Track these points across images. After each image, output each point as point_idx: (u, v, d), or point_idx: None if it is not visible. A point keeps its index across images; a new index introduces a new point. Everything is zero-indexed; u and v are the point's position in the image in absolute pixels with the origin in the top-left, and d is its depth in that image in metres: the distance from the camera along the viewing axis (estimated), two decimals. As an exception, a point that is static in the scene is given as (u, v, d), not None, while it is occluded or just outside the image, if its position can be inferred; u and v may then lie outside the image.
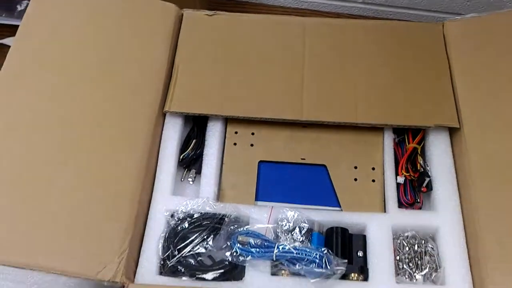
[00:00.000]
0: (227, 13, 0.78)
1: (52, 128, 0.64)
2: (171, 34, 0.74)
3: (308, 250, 0.57)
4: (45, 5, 0.74)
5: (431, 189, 0.64)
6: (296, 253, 0.57)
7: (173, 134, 0.69)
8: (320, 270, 0.56)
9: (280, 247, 0.57)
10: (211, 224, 0.61)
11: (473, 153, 0.62)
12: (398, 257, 0.60)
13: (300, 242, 0.60)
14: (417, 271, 0.59)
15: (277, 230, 0.61)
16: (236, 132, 0.70)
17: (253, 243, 0.58)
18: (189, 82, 0.70)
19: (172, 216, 0.62)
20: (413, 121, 0.66)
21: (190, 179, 0.68)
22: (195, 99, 0.69)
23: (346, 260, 0.57)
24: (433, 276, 0.59)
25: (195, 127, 0.70)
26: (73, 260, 0.56)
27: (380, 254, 0.59)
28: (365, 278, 0.58)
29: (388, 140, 0.68)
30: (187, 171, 0.69)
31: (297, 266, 0.57)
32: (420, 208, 0.65)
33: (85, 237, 0.57)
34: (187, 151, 0.68)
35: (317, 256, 0.56)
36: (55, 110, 0.65)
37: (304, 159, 0.68)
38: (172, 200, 0.64)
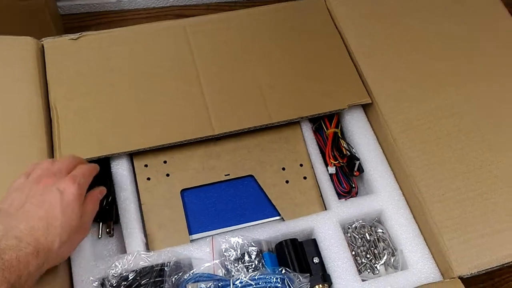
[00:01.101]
0: (94, 32, 0.68)
1: None
2: (37, 72, 0.62)
3: (266, 277, 0.52)
4: None
5: (363, 171, 0.63)
6: (255, 284, 0.52)
7: (72, 187, 0.58)
8: (285, 294, 0.51)
9: (236, 283, 0.51)
10: (150, 280, 0.53)
11: (392, 123, 0.61)
12: (353, 252, 0.58)
13: (253, 268, 0.55)
14: (376, 261, 0.57)
15: (225, 263, 0.55)
16: (146, 165, 0.61)
17: (205, 287, 0.52)
18: (74, 123, 0.60)
19: (102, 285, 0.53)
20: (327, 107, 0.64)
21: (109, 235, 0.58)
22: (87, 141, 0.59)
23: (308, 274, 0.53)
24: (392, 260, 0.57)
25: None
26: None
27: (336, 255, 0.56)
28: (329, 286, 0.55)
29: (308, 131, 0.65)
30: (102, 224, 0.59)
31: (260, 298, 0.51)
32: (356, 193, 0.63)
33: None
34: (96, 202, 0.58)
35: (278, 280, 0.52)
36: None
37: (228, 174, 0.62)
38: (96, 266, 0.54)
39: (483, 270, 0.52)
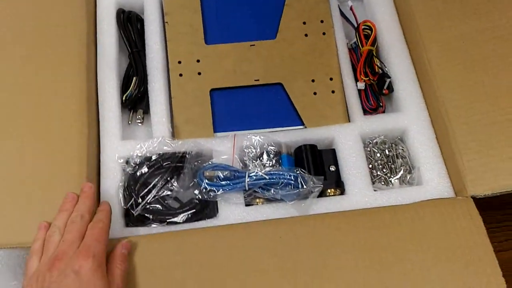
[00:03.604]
0: None
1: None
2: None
3: (281, 173, 0.54)
4: None
5: (393, 90, 0.62)
6: (269, 178, 0.53)
7: (109, 74, 0.61)
8: (297, 191, 0.53)
9: (252, 175, 0.53)
10: (172, 164, 0.56)
11: (429, 42, 0.60)
12: (370, 165, 0.58)
13: (270, 167, 0.56)
14: (392, 176, 0.58)
15: (244, 159, 0.57)
16: (179, 62, 0.63)
17: (221, 176, 0.54)
18: None
19: (127, 162, 0.56)
20: None
21: (138, 121, 0.61)
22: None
23: (322, 177, 0.54)
24: (408, 177, 0.58)
25: (133, 62, 0.63)
26: (28, 229, 0.49)
27: (353, 165, 0.57)
28: (342, 192, 0.56)
29: (342, 46, 0.65)
30: (133, 112, 0.62)
31: (272, 191, 0.53)
32: (383, 112, 0.63)
33: (39, 202, 0.51)
34: (130, 90, 0.61)
35: (292, 178, 0.53)
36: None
37: (258, 80, 0.63)
38: (123, 145, 0.58)
39: (497, 193, 0.52)
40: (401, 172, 0.58)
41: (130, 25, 0.66)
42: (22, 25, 0.60)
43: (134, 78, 0.62)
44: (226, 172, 0.54)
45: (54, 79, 0.57)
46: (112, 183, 0.55)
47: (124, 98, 0.61)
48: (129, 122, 0.62)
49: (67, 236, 0.46)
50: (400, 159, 0.59)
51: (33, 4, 0.62)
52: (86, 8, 0.63)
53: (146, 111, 0.61)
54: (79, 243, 0.45)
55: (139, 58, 0.63)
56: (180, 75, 0.63)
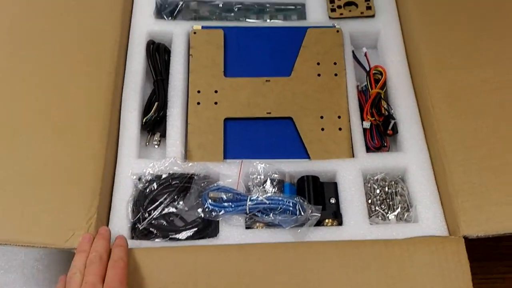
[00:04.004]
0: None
1: (9, 102, 0.61)
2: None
3: (280, 199, 0.57)
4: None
5: (397, 131, 0.65)
6: (269, 203, 0.56)
7: (133, 97, 0.67)
8: (295, 217, 0.55)
9: (253, 199, 0.57)
10: (180, 183, 0.60)
11: (434, 88, 0.63)
12: (370, 200, 0.61)
13: (272, 193, 0.59)
14: (389, 212, 0.60)
15: (249, 184, 0.60)
16: (198, 91, 0.68)
17: (225, 197, 0.57)
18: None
19: (139, 179, 0.60)
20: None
21: (155, 143, 0.66)
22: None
23: (320, 206, 0.57)
24: (406, 215, 0.60)
25: (156, 89, 0.68)
26: (39, 230, 0.54)
27: (352, 199, 0.59)
28: (340, 223, 0.58)
29: (352, 87, 0.68)
30: (151, 135, 0.67)
31: (271, 216, 0.56)
32: (387, 151, 0.65)
33: (50, 205, 0.55)
34: (150, 113, 0.66)
35: (290, 204, 0.56)
36: (9, 84, 0.63)
37: (270, 113, 0.67)
38: (138, 163, 0.62)
39: (489, 235, 0.53)
40: (399, 209, 0.60)
41: (158, 55, 0.71)
42: (60, 40, 0.66)
43: (156, 103, 0.67)
44: (229, 194, 0.57)
45: (82, 95, 0.62)
46: (124, 197, 0.59)
47: (144, 121, 0.66)
48: (147, 143, 0.66)
49: (88, 279, 0.47)
50: (399, 197, 0.61)
51: (74, 24, 0.68)
52: (120, 36, 0.69)
53: (164, 134, 0.66)
54: (101, 286, 0.47)
55: (162, 85, 0.68)
56: (198, 103, 0.67)
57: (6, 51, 0.65)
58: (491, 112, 0.60)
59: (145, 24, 0.72)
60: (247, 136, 0.66)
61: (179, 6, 0.75)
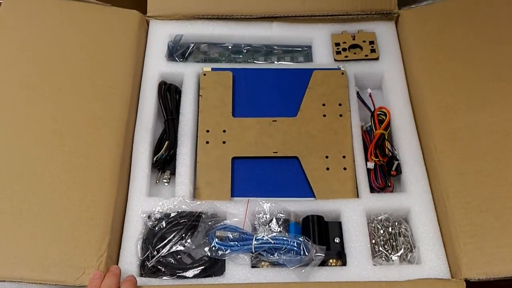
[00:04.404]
0: None
1: (23, 140, 0.64)
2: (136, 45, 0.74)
3: (285, 239, 0.58)
4: (8, 17, 0.74)
5: (401, 172, 0.66)
6: (274, 243, 0.58)
7: (145, 136, 0.69)
8: (299, 257, 0.57)
9: (258, 238, 0.58)
10: (188, 222, 0.61)
11: (436, 130, 0.65)
12: (373, 240, 0.62)
13: (277, 232, 0.61)
14: (393, 253, 0.61)
15: (255, 223, 0.62)
16: (207, 131, 0.70)
17: (231, 237, 0.59)
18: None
19: (149, 217, 0.62)
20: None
21: (165, 181, 0.68)
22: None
23: (325, 247, 0.58)
24: (409, 256, 0.61)
25: (167, 128, 0.71)
26: (51, 267, 0.55)
27: (356, 239, 0.61)
28: (343, 263, 0.60)
29: (356, 127, 0.70)
30: (161, 172, 0.69)
31: (276, 255, 0.57)
32: (391, 192, 0.67)
33: (62, 243, 0.57)
34: (161, 152, 0.68)
35: (295, 244, 0.57)
36: (23, 123, 0.65)
37: (276, 152, 0.69)
38: (148, 201, 0.64)
39: (491, 278, 0.54)
40: (402, 250, 0.61)
41: (169, 95, 0.74)
42: (74, 81, 0.69)
43: (166, 142, 0.69)
44: (236, 234, 0.59)
45: (95, 133, 0.65)
46: (133, 234, 0.61)
47: (155, 159, 0.68)
48: (157, 181, 0.68)
49: None
50: (402, 238, 0.62)
51: (88, 64, 0.71)
52: (133, 77, 0.72)
53: (173, 172, 0.68)
54: None
55: (172, 125, 0.71)
56: (207, 142, 0.69)
57: (22, 94, 0.67)
58: (493, 155, 0.61)
59: (158, 65, 0.75)
60: (254, 175, 0.68)
61: (190, 48, 0.78)
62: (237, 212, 0.63)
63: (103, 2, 0.77)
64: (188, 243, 0.60)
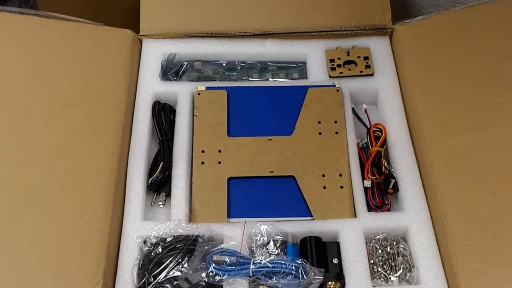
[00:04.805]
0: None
1: (14, 163, 0.63)
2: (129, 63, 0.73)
3: (283, 263, 0.57)
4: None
5: (398, 190, 0.66)
6: (272, 267, 0.57)
7: (139, 158, 0.68)
8: (297, 281, 0.56)
9: (256, 262, 0.57)
10: (185, 246, 0.61)
11: (433, 149, 0.64)
12: (372, 261, 0.61)
13: (275, 255, 0.60)
14: (391, 273, 0.60)
15: (252, 246, 0.61)
16: (202, 151, 0.69)
17: (228, 261, 0.58)
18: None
19: (144, 242, 0.62)
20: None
21: (160, 203, 0.67)
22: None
23: (323, 269, 0.58)
24: (408, 276, 0.60)
25: (162, 149, 0.70)
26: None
27: (354, 260, 0.60)
28: (342, 285, 0.59)
29: (352, 145, 0.70)
30: (156, 194, 0.68)
31: (274, 279, 0.57)
32: (389, 210, 0.66)
33: (56, 271, 0.56)
34: (155, 174, 0.68)
35: (293, 268, 0.57)
36: (14, 146, 0.64)
37: (272, 172, 0.68)
38: (143, 226, 0.63)
39: (490, 299, 0.54)
40: (401, 270, 0.60)
41: (163, 115, 0.73)
42: (67, 101, 0.68)
43: (161, 164, 0.68)
44: (233, 258, 0.58)
45: (88, 156, 0.64)
46: (129, 261, 0.60)
47: (150, 182, 0.67)
48: (152, 203, 0.68)
49: None
50: (401, 257, 0.61)
51: (81, 85, 0.70)
52: (127, 97, 0.71)
53: (169, 194, 0.67)
54: None
55: (167, 145, 0.70)
56: (202, 163, 0.69)
57: (12, 115, 0.66)
58: (490, 173, 0.61)
59: (151, 85, 0.75)
60: (251, 195, 0.67)
61: (184, 67, 0.77)
62: (234, 234, 0.62)
63: (95, 21, 0.76)
64: (185, 268, 0.59)
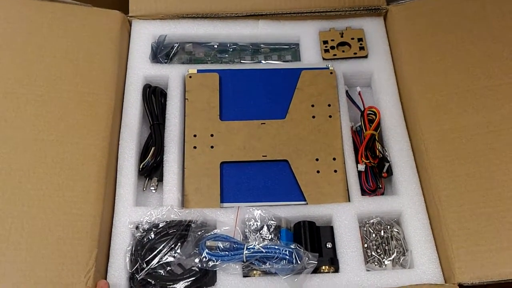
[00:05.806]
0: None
1: (3, 150, 0.61)
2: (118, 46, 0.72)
3: (277, 248, 0.57)
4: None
5: (392, 173, 0.66)
6: (266, 252, 0.57)
7: (130, 143, 0.67)
8: (291, 266, 0.56)
9: (250, 248, 0.57)
10: (177, 232, 0.60)
11: (427, 132, 0.64)
12: (366, 245, 0.61)
13: (269, 240, 0.60)
14: (385, 257, 0.60)
15: (245, 231, 0.61)
16: (195, 135, 0.68)
17: (221, 246, 0.58)
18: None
19: (137, 228, 0.61)
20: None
21: (152, 188, 0.66)
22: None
23: (317, 254, 0.57)
24: (401, 260, 0.60)
25: (153, 133, 0.69)
26: (38, 285, 0.54)
27: (348, 244, 0.60)
28: (336, 269, 0.59)
29: (346, 129, 0.69)
30: (148, 179, 0.67)
31: (268, 264, 0.57)
32: (382, 194, 0.66)
33: (48, 259, 0.55)
34: (147, 159, 0.67)
35: (287, 253, 0.57)
36: (2, 132, 0.63)
37: (265, 156, 0.67)
38: (135, 211, 0.62)
39: (484, 282, 0.54)
40: (395, 254, 0.60)
41: (154, 98, 0.72)
42: (56, 86, 0.66)
43: (153, 148, 0.68)
44: (226, 243, 0.58)
45: (78, 141, 0.63)
46: (121, 247, 0.60)
47: (141, 167, 0.66)
48: (144, 189, 0.67)
49: None
50: (395, 241, 0.61)
51: (70, 69, 0.68)
52: (117, 80, 0.70)
53: (160, 179, 0.66)
54: None
55: (158, 130, 0.69)
56: (194, 147, 0.68)
57: (0, 101, 0.65)
58: (484, 156, 0.60)
59: (141, 68, 0.73)
60: (244, 180, 0.67)
61: (174, 49, 0.76)
62: (227, 220, 0.62)
63: (83, 2, 0.74)
64: (178, 253, 0.59)
